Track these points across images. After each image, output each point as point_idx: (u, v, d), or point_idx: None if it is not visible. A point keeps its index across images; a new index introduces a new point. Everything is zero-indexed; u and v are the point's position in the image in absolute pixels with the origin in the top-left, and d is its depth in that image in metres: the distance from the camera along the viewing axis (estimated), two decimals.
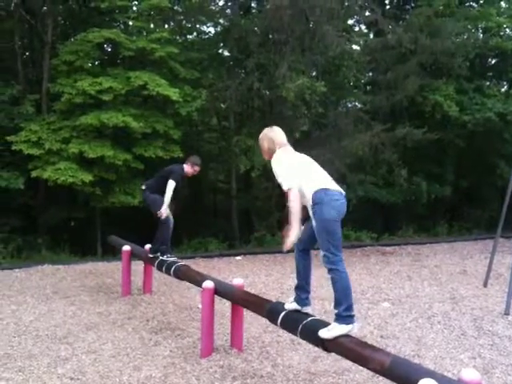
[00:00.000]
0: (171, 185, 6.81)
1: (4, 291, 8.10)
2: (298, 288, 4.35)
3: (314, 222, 4.01)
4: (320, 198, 3.95)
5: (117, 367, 4.92)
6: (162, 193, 6.88)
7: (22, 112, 12.60)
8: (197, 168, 7.05)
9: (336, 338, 3.80)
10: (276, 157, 4.27)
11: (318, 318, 4.30)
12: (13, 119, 12.52)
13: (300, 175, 4.06)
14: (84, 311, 6.89)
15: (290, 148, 4.39)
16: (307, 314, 4.28)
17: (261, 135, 4.49)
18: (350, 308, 3.87)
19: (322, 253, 3.97)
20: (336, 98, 15.44)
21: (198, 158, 7.17)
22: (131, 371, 4.83)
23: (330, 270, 3.96)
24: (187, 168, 7.03)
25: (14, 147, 11.74)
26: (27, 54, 16.52)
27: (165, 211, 6.88)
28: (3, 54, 15.04)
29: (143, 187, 7.34)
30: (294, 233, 3.94)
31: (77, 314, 6.74)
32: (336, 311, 3.88)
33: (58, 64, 12.93)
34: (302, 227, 4.18)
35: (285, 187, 4.00)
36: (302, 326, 4.10)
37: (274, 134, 4.43)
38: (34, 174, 11.70)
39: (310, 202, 3.99)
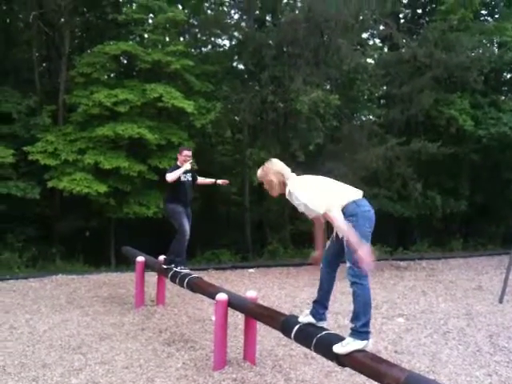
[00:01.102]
0: (167, 177, 6.98)
1: (18, 300, 8.15)
2: (316, 302, 4.31)
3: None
4: (353, 210, 3.87)
5: (130, 378, 4.92)
6: (172, 199, 7.13)
7: (38, 123, 12.75)
8: (185, 152, 7.16)
9: (350, 353, 3.77)
10: (293, 186, 4.06)
11: (332, 332, 4.27)
12: (29, 130, 12.68)
13: (325, 193, 3.94)
14: (98, 322, 6.91)
15: (295, 175, 4.24)
16: (322, 328, 4.25)
17: (262, 173, 4.22)
18: (367, 324, 3.83)
19: (348, 264, 3.85)
20: (350, 112, 15.45)
21: (185, 146, 7.57)
22: (144, 383, 4.83)
23: (353, 284, 3.86)
24: (179, 159, 7.19)
25: (30, 157, 11.87)
26: (44, 65, 16.77)
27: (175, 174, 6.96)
28: (21, 65, 15.29)
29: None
30: (364, 250, 3.60)
31: (90, 325, 6.75)
32: (353, 325, 3.84)
33: (75, 75, 13.11)
34: (329, 242, 4.12)
35: (322, 211, 3.84)
36: (316, 340, 4.07)
37: (278, 167, 4.19)
38: (50, 184, 11.82)
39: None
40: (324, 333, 4.12)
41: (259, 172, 4.26)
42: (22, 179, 12.20)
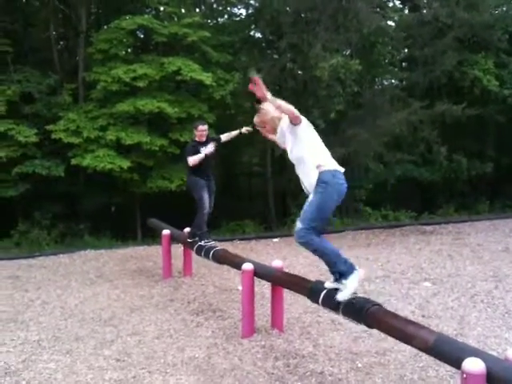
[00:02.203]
0: (189, 162, 6.96)
1: (49, 276, 8.36)
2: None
3: (311, 196, 3.97)
4: (327, 177, 3.92)
5: (161, 348, 5.03)
6: (194, 172, 7.09)
7: (59, 101, 12.84)
8: (199, 127, 7.10)
9: (350, 298, 3.91)
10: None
11: (360, 295, 4.26)
12: (51, 109, 12.78)
13: (311, 142, 4.01)
14: (127, 294, 7.05)
15: None
16: None
17: (262, 114, 4.26)
18: (346, 261, 3.93)
19: (299, 225, 3.96)
20: (371, 76, 15.19)
21: (200, 121, 7.46)
22: (175, 352, 4.92)
23: (304, 243, 3.97)
24: (196, 134, 7.15)
25: (53, 136, 12.00)
26: (62, 43, 16.78)
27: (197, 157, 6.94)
28: (39, 44, 15.32)
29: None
30: (267, 94, 3.78)
31: (120, 297, 6.90)
32: (336, 270, 3.92)
33: (93, 52, 13.10)
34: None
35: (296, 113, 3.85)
36: (343, 304, 4.07)
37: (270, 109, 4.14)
38: (73, 161, 11.96)
39: (314, 179, 3.94)
40: (351, 296, 4.11)
41: (258, 116, 4.28)
42: (46, 158, 12.37)
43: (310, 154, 4.01)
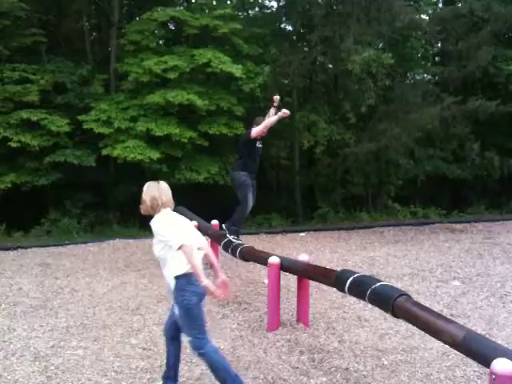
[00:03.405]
0: (252, 132, 6.73)
1: (78, 264, 8.50)
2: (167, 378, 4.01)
3: (176, 308, 3.75)
4: (182, 285, 3.69)
5: (187, 339, 5.05)
6: (243, 166, 6.85)
7: (91, 92, 13.00)
8: (258, 120, 6.95)
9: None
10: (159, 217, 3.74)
11: (387, 283, 4.17)
12: (83, 99, 12.95)
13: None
14: (154, 284, 7.12)
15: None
16: (376, 279, 4.17)
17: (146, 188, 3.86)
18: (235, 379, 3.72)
19: (187, 338, 3.75)
20: (404, 70, 14.97)
21: (258, 117, 7.15)
22: None
23: (200, 355, 3.74)
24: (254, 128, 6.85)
25: (85, 126, 12.17)
26: (95, 34, 16.98)
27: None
28: (72, 35, 15.53)
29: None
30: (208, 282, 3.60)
31: (148, 287, 6.98)
32: None
33: (125, 44, 13.23)
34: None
35: (176, 245, 3.52)
36: (371, 291, 3.99)
37: (157, 193, 3.79)
38: (104, 151, 12.12)
39: (172, 285, 3.73)
40: (379, 284, 4.02)
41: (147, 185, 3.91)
42: (77, 147, 12.55)
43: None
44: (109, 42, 14.77)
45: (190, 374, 4.26)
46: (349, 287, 4.28)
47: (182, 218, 3.92)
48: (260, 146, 6.93)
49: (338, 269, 7.71)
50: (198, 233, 3.97)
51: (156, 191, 3.80)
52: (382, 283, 4.05)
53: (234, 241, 6.85)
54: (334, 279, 4.57)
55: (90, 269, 8.15)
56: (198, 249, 3.81)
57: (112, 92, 13.70)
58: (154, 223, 3.70)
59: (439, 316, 3.57)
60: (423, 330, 3.59)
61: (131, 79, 12.65)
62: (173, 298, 3.77)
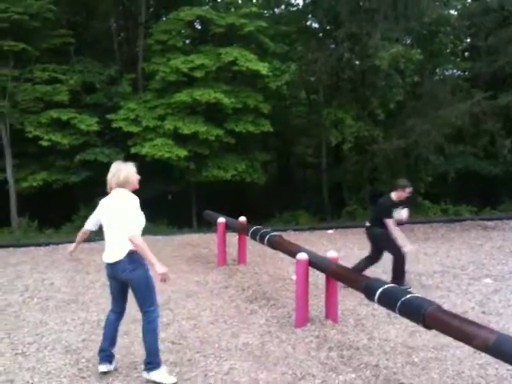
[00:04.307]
0: (389, 223, 6.44)
1: None
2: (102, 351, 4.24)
3: (132, 281, 4.11)
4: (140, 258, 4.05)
5: (215, 333, 5.09)
6: (380, 226, 6.57)
7: (119, 91, 13.17)
8: (407, 189, 6.59)
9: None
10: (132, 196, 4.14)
11: (416, 294, 4.19)
12: (111, 98, 13.13)
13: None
14: (183, 279, 7.17)
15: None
16: (406, 291, 4.19)
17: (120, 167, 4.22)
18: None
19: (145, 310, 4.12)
20: (432, 66, 14.76)
21: (404, 181, 6.77)
22: (229, 338, 4.97)
23: (152, 322, 4.13)
24: (397, 194, 6.60)
25: (113, 125, 12.34)
26: (122, 35, 17.20)
27: (403, 245, 6.48)
28: (100, 35, 15.76)
29: (367, 224, 7.01)
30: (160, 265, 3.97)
31: (176, 283, 7.01)
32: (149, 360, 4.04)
33: (152, 43, 13.37)
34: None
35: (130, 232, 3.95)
36: (400, 303, 4.02)
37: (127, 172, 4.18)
38: (133, 150, 12.28)
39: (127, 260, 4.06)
40: (409, 296, 4.05)
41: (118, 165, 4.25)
42: (106, 146, 12.74)
43: None
44: (136, 41, 14.96)
45: (219, 369, 4.27)
46: (378, 298, 4.33)
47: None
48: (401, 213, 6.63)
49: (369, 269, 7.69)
50: None
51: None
52: (411, 295, 4.08)
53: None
54: (364, 288, 4.57)
55: None
56: None
57: (140, 91, 13.87)
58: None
59: (469, 322, 3.60)
60: (456, 338, 3.64)
61: (158, 78, 12.78)
62: None
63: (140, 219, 4.06)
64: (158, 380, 4.00)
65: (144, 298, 4.12)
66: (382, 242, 6.68)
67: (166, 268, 3.97)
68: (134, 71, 14.16)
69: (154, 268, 3.92)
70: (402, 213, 6.54)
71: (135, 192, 4.19)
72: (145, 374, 4.05)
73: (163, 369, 4.06)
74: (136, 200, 4.08)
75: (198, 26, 15.18)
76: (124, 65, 14.79)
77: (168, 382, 4.00)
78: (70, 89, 12.55)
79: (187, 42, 14.98)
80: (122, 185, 4.13)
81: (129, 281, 4.11)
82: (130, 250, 4.02)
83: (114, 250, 4.13)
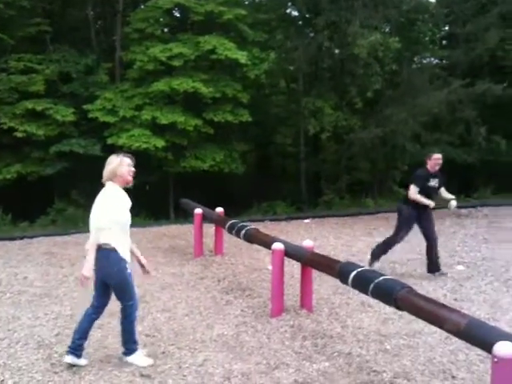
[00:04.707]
0: (411, 189, 6.60)
1: (82, 253, 8.50)
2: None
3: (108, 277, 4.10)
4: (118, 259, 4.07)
5: (190, 325, 5.09)
6: (405, 201, 6.79)
7: (96, 81, 13.00)
8: (433, 156, 6.69)
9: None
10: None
11: (389, 277, 4.22)
12: (88, 88, 12.96)
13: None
14: (159, 272, 7.15)
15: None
16: (379, 273, 4.22)
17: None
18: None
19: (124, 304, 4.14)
20: (411, 54, 14.82)
21: (432, 150, 7.00)
22: (204, 329, 4.98)
23: (129, 316, 4.16)
24: (429, 164, 6.71)
25: (90, 115, 12.19)
26: (100, 23, 16.93)
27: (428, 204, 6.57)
28: (77, 24, 15.51)
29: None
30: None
31: (152, 275, 6.99)
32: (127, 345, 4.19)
33: (130, 32, 13.21)
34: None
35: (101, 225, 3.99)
36: (373, 285, 4.04)
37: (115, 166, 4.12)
38: (109, 140, 12.15)
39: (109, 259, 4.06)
40: (381, 278, 4.07)
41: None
42: (83, 137, 12.59)
43: None
44: (113, 30, 14.74)
45: (194, 360, 4.28)
46: (352, 281, 4.36)
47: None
48: (435, 185, 6.75)
49: (343, 255, 7.76)
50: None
51: None
52: (384, 277, 4.10)
53: (371, 267, 6.50)
54: (338, 272, 4.60)
55: None
56: None
57: (117, 81, 13.71)
58: None
59: (441, 305, 3.62)
60: (427, 320, 3.68)
61: (136, 67, 12.65)
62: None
63: (112, 214, 4.01)
64: (135, 362, 4.12)
65: (123, 292, 4.12)
66: (399, 217, 6.84)
67: (87, 273, 3.97)
68: (112, 60, 13.98)
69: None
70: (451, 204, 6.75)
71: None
72: (123, 358, 4.19)
73: (139, 352, 4.19)
74: (112, 195, 4.04)
75: (177, 14, 15.01)
76: (101, 54, 14.59)
77: (144, 363, 4.11)
78: (45, 79, 12.36)
79: (165, 30, 14.82)
80: (109, 178, 4.09)
81: (105, 277, 4.08)
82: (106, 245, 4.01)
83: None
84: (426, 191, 6.61)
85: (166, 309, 5.58)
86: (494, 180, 15.76)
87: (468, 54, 14.29)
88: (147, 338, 4.77)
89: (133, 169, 4.16)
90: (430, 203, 6.57)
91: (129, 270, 4.05)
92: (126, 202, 4.13)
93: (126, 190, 4.25)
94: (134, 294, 4.15)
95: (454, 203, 6.79)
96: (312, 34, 14.13)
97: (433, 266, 6.74)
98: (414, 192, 6.57)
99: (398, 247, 8.35)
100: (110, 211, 4.01)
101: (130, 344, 4.18)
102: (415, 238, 9.19)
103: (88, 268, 3.94)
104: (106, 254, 4.02)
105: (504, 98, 13.29)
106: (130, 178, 4.16)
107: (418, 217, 6.69)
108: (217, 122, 12.75)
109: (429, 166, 6.71)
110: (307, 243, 5.52)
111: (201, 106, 12.91)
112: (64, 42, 13.85)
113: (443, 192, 6.96)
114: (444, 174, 6.89)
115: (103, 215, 3.97)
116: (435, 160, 6.66)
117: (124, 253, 4.14)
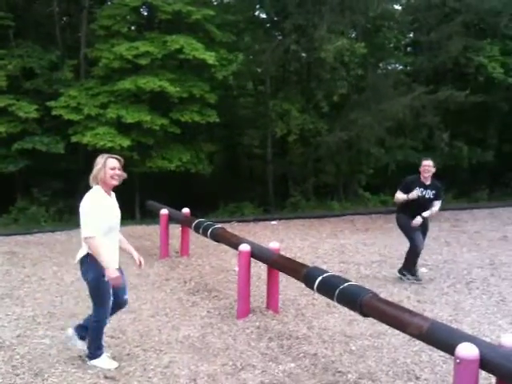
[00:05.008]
0: (397, 193, 6.63)
1: (46, 253, 8.37)
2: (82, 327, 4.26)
3: (86, 282, 4.05)
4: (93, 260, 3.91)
5: (156, 326, 5.05)
6: (400, 210, 6.69)
7: (60, 78, 12.74)
8: (422, 162, 6.62)
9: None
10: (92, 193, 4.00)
11: (354, 283, 4.29)
12: (52, 85, 12.69)
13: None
14: (125, 271, 7.03)
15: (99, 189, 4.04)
16: (344, 279, 4.28)
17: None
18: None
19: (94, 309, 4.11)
20: (376, 60, 15.07)
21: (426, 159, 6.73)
22: (170, 330, 4.94)
23: (97, 322, 4.07)
24: (420, 171, 6.61)
25: (54, 112, 11.93)
26: (65, 19, 16.60)
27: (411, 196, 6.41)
28: (42, 19, 15.15)
29: None
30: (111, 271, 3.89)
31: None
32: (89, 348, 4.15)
33: (96, 29, 12.97)
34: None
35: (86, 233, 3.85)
36: (338, 291, 4.10)
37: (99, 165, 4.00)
38: (73, 138, 11.92)
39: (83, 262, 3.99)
40: (346, 284, 4.14)
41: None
42: (46, 134, 12.31)
43: None
44: (79, 27, 14.47)
45: (159, 362, 4.24)
46: (317, 287, 4.40)
47: None
48: (425, 195, 6.52)
49: (309, 257, 7.83)
50: None
51: None
52: (349, 283, 4.15)
53: (409, 279, 6.61)
54: (304, 276, 4.63)
55: (58, 257, 8.03)
56: None
57: (82, 78, 13.45)
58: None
59: (404, 310, 3.72)
60: (391, 325, 3.77)
61: (102, 65, 12.43)
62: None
63: (96, 219, 3.86)
64: (99, 365, 4.06)
65: (94, 298, 4.03)
66: (401, 229, 6.76)
67: (117, 273, 3.90)
68: (77, 57, 13.71)
69: (107, 272, 3.83)
70: (414, 193, 6.42)
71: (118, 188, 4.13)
72: (88, 362, 4.14)
73: (103, 356, 4.14)
74: (92, 198, 3.92)
75: (144, 13, 14.85)
76: (66, 50, 14.28)
77: (109, 366, 4.06)
78: (7, 74, 12.02)
79: (132, 28, 14.63)
80: (92, 181, 4.01)
81: (85, 282, 4.02)
82: (87, 252, 3.91)
83: (78, 250, 4.04)
84: (413, 201, 6.43)
85: (131, 310, 5.51)
86: (456, 185, 16.16)
87: (432, 61, 14.60)
88: (112, 339, 4.70)
89: (118, 172, 3.99)
90: (410, 196, 6.39)
91: (105, 278, 3.88)
92: (106, 208, 3.97)
93: (89, 190, 4.10)
94: (105, 301, 4.01)
95: (416, 220, 6.51)
96: (280, 37, 14.20)
97: (405, 269, 6.73)
98: (396, 195, 6.61)
99: (362, 249, 8.51)
100: (99, 218, 3.89)
101: (92, 349, 4.13)
102: (379, 241, 9.40)
103: (110, 270, 3.86)
104: (86, 261, 3.96)
105: (466, 105, 13.64)
106: (114, 182, 4.02)
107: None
108: (184, 122, 12.64)
109: (421, 174, 6.58)
110: (273, 245, 5.55)
111: (167, 105, 12.78)
112: (28, 38, 13.50)
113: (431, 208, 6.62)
114: (438, 187, 6.60)
115: (89, 223, 3.85)
116: (423, 167, 6.54)
117: (110, 256, 4.02)
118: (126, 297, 4.28)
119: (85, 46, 13.62)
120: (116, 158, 4.04)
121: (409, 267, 6.67)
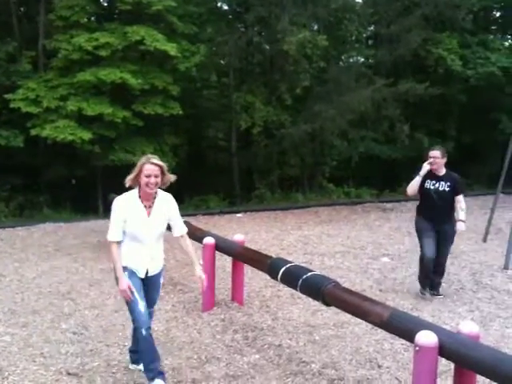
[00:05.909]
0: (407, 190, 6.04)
1: (6, 249, 8.16)
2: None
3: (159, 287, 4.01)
4: None
5: (120, 322, 5.00)
6: (417, 209, 6.05)
7: (18, 69, 12.40)
8: (430, 153, 5.79)
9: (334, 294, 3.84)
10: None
11: (318, 272, 4.34)
12: (10, 77, 12.33)
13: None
14: (87, 268, 6.96)
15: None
16: (307, 269, 4.32)
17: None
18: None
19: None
20: (338, 53, 15.18)
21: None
22: None
23: (134, 330, 3.81)
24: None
25: (11, 105, 11.60)
26: (22, 9, 16.12)
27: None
28: None
29: None
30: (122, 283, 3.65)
31: (79, 271, 6.81)
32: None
33: (54, 19, 12.64)
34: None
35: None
36: (302, 281, 4.13)
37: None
38: (33, 132, 11.62)
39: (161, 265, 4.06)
40: (310, 274, 4.18)
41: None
42: (4, 128, 11.96)
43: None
44: (37, 17, 14.08)
45: (123, 357, 4.21)
46: (281, 277, 4.43)
47: None
48: (438, 187, 5.77)
49: (273, 249, 7.87)
50: None
51: None
52: (312, 273, 4.19)
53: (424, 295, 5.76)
54: (268, 267, 4.65)
55: (19, 253, 7.85)
56: None
57: (41, 70, 13.11)
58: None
59: (366, 299, 3.77)
60: (352, 313, 3.82)
61: (61, 56, 12.14)
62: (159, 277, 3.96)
63: (116, 223, 3.67)
64: None
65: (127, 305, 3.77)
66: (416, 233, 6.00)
67: (125, 286, 3.61)
68: (35, 49, 13.35)
69: (119, 282, 3.65)
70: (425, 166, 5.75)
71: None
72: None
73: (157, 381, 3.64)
74: (119, 201, 3.72)
75: (104, 3, 14.57)
76: (24, 41, 13.89)
77: None
78: None
79: (92, 18, 14.32)
80: (128, 183, 3.79)
81: None
82: None
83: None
84: (423, 192, 5.83)
85: (95, 305, 5.45)
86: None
87: (392, 53, 14.79)
88: (74, 335, 4.65)
89: (152, 180, 3.62)
90: (421, 173, 5.74)
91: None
92: (132, 214, 3.70)
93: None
94: (132, 308, 3.68)
95: (460, 226, 5.81)
96: (242, 29, 14.16)
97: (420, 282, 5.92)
98: (408, 187, 5.97)
99: (326, 240, 8.60)
100: (110, 225, 3.71)
101: (145, 365, 3.71)
102: (342, 232, 9.53)
103: (120, 281, 3.65)
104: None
105: (426, 97, 13.89)
106: (149, 191, 3.70)
107: (433, 228, 5.76)
108: (146, 115, 12.47)
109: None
110: (238, 237, 5.56)
111: (130, 97, 12.58)
112: None
113: (458, 207, 5.90)
114: (454, 178, 5.85)
115: (111, 228, 3.70)
116: (429, 159, 5.76)
117: (132, 261, 3.76)
118: (152, 309, 3.97)
119: (43, 37, 13.27)
120: (155, 164, 3.65)
121: (421, 280, 5.84)
